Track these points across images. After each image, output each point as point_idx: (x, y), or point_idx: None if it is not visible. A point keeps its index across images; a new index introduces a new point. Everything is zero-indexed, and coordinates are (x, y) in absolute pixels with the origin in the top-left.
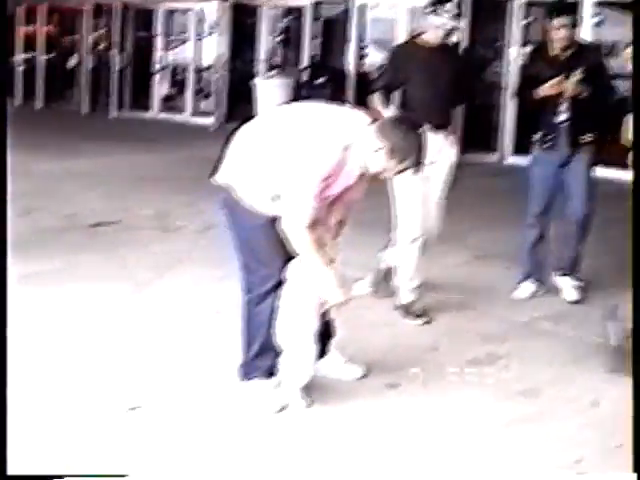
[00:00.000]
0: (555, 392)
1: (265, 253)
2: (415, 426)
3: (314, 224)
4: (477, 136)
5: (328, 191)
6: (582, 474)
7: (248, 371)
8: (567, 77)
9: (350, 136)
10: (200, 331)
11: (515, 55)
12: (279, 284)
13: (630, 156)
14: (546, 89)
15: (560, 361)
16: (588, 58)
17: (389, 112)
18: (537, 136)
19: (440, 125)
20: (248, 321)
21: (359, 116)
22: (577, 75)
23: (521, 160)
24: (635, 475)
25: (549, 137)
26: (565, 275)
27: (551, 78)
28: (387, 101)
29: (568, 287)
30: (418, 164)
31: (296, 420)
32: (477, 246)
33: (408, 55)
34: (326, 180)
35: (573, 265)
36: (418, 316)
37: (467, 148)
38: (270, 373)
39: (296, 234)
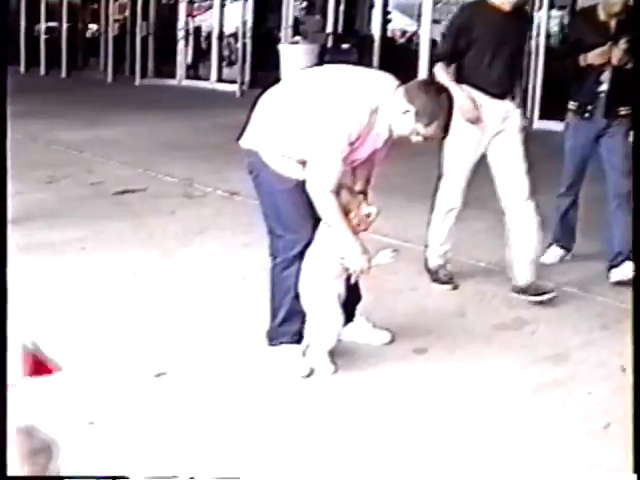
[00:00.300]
0: (583, 357)
1: (292, 218)
2: (442, 392)
3: (339, 189)
4: None
5: (355, 154)
6: (582, 474)
7: (275, 336)
8: (615, 44)
9: (377, 98)
10: (227, 297)
11: (543, 19)
12: (306, 249)
13: None
14: (594, 56)
15: (588, 326)
16: (635, 26)
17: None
18: (574, 104)
19: (505, 93)
20: (275, 286)
21: (386, 78)
22: (624, 43)
23: (549, 125)
24: (635, 476)
25: (588, 106)
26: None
27: (597, 45)
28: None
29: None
30: (447, 128)
31: (323, 385)
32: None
33: (477, 17)
34: (353, 143)
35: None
36: (446, 282)
37: None
38: (298, 338)
39: (321, 198)
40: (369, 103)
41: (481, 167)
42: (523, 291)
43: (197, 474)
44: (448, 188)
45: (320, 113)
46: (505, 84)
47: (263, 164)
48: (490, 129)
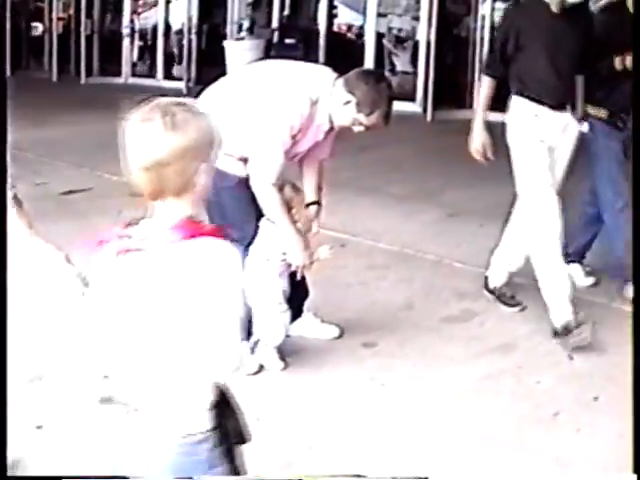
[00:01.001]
0: (531, 346)
1: (236, 215)
2: (392, 385)
3: (283, 185)
4: (449, 92)
5: (297, 147)
6: (582, 474)
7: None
8: None
9: (317, 90)
10: None
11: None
12: (250, 246)
13: None
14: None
15: (535, 315)
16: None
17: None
18: (604, 112)
19: (563, 103)
20: None
21: (325, 70)
22: None
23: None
24: (635, 476)
25: (622, 115)
26: None
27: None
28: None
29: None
30: (387, 116)
31: (272, 381)
32: (450, 204)
33: (527, 18)
34: (295, 136)
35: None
36: (513, 304)
37: (439, 105)
38: (247, 334)
39: (263, 192)
40: (309, 94)
41: (432, 160)
42: (565, 332)
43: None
44: (541, 211)
45: (260, 107)
46: (562, 94)
47: None
48: (548, 142)
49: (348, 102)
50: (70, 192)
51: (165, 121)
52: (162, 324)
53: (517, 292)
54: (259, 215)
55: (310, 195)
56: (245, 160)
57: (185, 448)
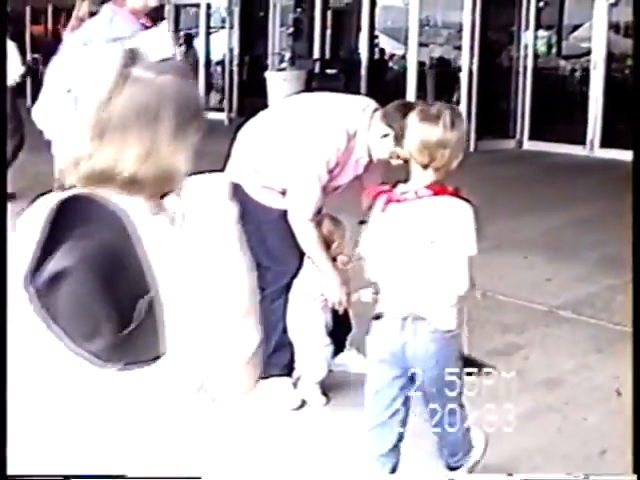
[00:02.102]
0: (578, 381)
1: (278, 249)
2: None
3: (322, 219)
4: (492, 122)
5: (336, 181)
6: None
7: (265, 368)
8: None
9: (355, 123)
10: None
11: (530, 39)
12: (294, 280)
13: None
14: None
15: (582, 349)
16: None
17: None
18: None
19: None
20: (264, 318)
21: (364, 102)
22: None
23: (539, 146)
24: (635, 476)
25: None
26: None
27: None
28: None
29: None
30: None
31: (314, 417)
32: (494, 235)
33: None
34: (332, 170)
35: None
36: None
37: (482, 135)
38: (289, 370)
39: (300, 227)
40: (346, 128)
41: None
42: None
43: None
44: None
45: (297, 141)
46: None
47: (246, 196)
48: None
49: (386, 135)
50: None
51: (444, 120)
52: (415, 253)
53: (561, 324)
54: (301, 249)
55: None
56: (284, 193)
57: (445, 341)
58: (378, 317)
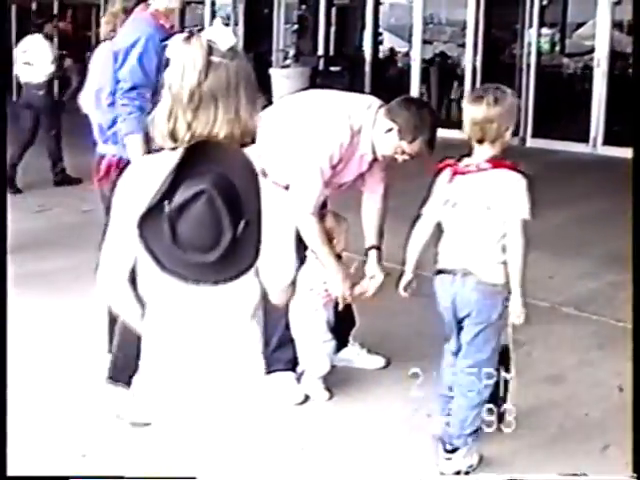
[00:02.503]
0: (580, 377)
1: None
2: (437, 415)
3: (324, 214)
4: None
5: (341, 178)
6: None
7: (268, 364)
8: None
9: (359, 119)
10: None
11: (534, 36)
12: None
13: None
14: None
15: (584, 345)
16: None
17: None
18: None
19: None
20: (265, 314)
21: (368, 99)
22: None
23: (542, 143)
24: (635, 476)
25: None
26: None
27: None
28: None
29: None
30: (432, 143)
31: (318, 411)
32: None
33: None
34: (336, 166)
35: None
36: None
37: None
38: (292, 365)
39: (302, 221)
40: (350, 124)
41: None
42: None
43: None
44: None
45: (301, 136)
46: None
47: None
48: None
49: (390, 130)
50: None
51: (488, 99)
52: (473, 217)
53: (563, 321)
54: (305, 247)
55: (370, 238)
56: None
57: (488, 292)
58: (438, 273)
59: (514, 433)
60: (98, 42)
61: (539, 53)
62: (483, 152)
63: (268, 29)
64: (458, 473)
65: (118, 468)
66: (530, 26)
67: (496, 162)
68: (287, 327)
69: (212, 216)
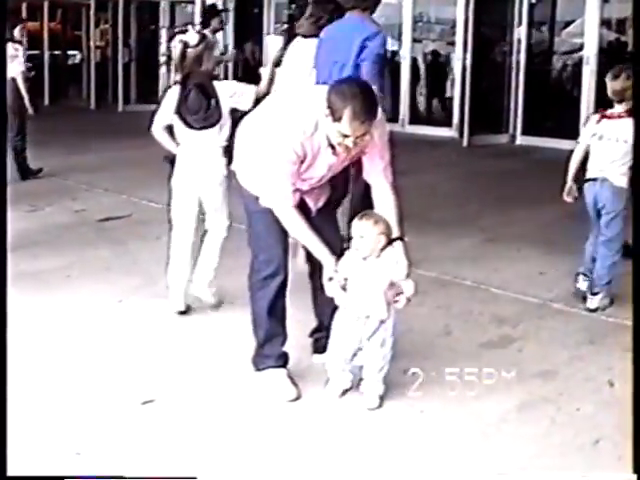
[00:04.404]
0: (571, 373)
1: (264, 239)
2: (431, 412)
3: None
4: (486, 117)
5: (311, 171)
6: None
7: (259, 361)
8: None
9: (320, 109)
10: (214, 322)
11: (523, 35)
12: (280, 267)
13: None
14: None
15: (575, 341)
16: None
17: None
18: None
19: None
20: (252, 307)
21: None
22: None
23: (531, 141)
24: (635, 476)
25: None
26: None
27: None
28: None
29: None
30: (357, 114)
31: (310, 408)
32: (488, 228)
33: None
34: (303, 160)
35: None
36: None
37: (475, 130)
38: (285, 360)
39: (283, 215)
40: (315, 115)
41: (469, 185)
42: None
43: None
44: None
45: (267, 130)
46: None
47: (240, 185)
48: None
49: (326, 115)
50: (108, 219)
51: (622, 75)
52: (613, 148)
53: (554, 317)
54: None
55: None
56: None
57: (617, 193)
58: (586, 181)
59: (507, 428)
60: (89, 41)
61: (528, 51)
62: (620, 107)
63: (258, 28)
64: (596, 310)
65: (115, 466)
66: (519, 24)
67: (628, 113)
68: (274, 321)
69: (198, 98)
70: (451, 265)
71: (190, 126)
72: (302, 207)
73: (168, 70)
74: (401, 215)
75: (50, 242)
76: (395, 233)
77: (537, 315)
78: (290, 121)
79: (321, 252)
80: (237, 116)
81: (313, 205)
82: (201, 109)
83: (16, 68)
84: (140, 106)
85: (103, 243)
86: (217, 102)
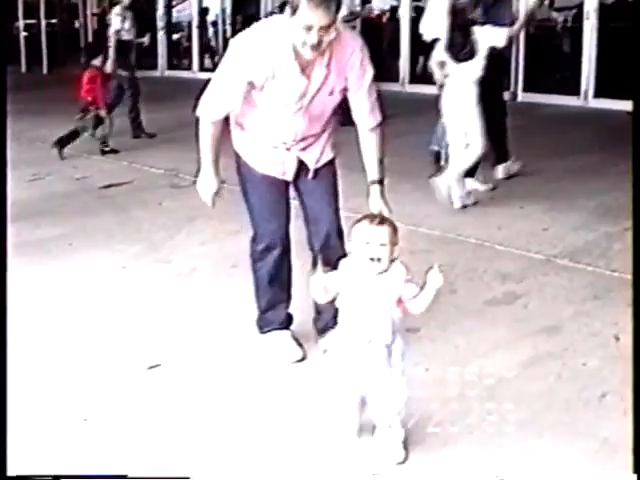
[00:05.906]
0: (576, 328)
1: (257, 211)
2: (436, 369)
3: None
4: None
5: (279, 98)
6: (582, 474)
7: (263, 324)
8: None
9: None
10: (218, 286)
11: None
12: (275, 242)
13: None
14: None
15: (580, 296)
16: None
17: None
18: None
19: None
20: (253, 276)
21: None
22: None
23: (533, 97)
24: (635, 476)
25: None
26: None
27: None
28: None
29: None
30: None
31: (317, 369)
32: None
33: None
34: (264, 79)
35: None
36: None
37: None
38: (288, 323)
39: (201, 122)
40: (281, 35)
41: None
42: None
43: (193, 467)
44: None
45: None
46: None
47: (236, 153)
48: None
49: (290, 17)
50: (109, 186)
51: None
52: None
53: (559, 272)
54: (284, 217)
55: (371, 173)
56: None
57: None
58: None
59: (513, 384)
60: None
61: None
62: None
63: None
64: None
65: (122, 433)
66: None
67: None
68: (276, 289)
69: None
70: (454, 223)
71: None
72: (300, 167)
73: (166, 36)
74: (382, 156)
75: (52, 210)
76: (374, 176)
77: (541, 271)
78: (248, 37)
79: (207, 166)
80: None
81: (313, 163)
82: None
83: None
84: (139, 72)
85: (105, 210)
86: None
